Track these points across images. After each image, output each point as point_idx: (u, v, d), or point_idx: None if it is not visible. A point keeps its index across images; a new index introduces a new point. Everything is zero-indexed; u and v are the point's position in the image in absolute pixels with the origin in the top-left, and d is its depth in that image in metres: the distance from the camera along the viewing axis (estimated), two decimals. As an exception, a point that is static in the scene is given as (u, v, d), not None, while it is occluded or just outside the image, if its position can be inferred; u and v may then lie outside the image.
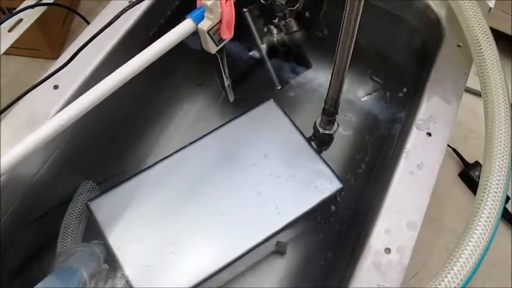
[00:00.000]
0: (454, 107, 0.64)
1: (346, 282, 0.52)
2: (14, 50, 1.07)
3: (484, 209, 0.52)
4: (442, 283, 0.48)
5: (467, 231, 0.51)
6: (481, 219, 0.51)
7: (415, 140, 0.61)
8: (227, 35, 0.56)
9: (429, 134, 0.61)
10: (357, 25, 0.53)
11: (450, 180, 1.03)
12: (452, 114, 0.63)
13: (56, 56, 1.10)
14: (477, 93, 1.05)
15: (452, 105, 0.64)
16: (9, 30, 0.71)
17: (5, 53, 0.70)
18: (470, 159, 1.03)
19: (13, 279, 0.63)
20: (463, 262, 0.49)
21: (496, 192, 0.53)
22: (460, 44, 0.69)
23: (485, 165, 0.56)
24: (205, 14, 0.53)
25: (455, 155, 1.04)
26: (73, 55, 0.56)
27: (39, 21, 0.73)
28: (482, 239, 0.50)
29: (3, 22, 0.70)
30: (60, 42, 1.12)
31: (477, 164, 1.01)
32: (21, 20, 0.72)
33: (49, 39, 1.06)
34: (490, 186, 0.53)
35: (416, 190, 0.57)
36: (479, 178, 0.96)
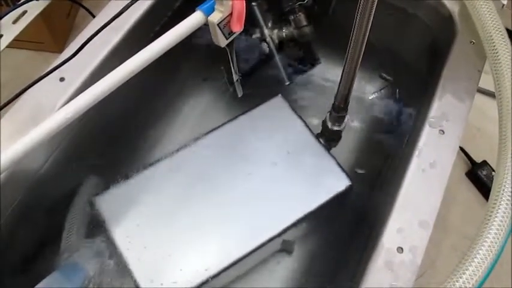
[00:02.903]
0: (467, 105, 0.63)
1: (358, 281, 0.51)
2: (17, 42, 1.05)
3: (498, 211, 0.50)
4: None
5: (480, 235, 0.50)
6: (495, 222, 0.50)
7: (427, 137, 0.60)
8: (237, 28, 0.55)
9: (442, 132, 0.60)
10: (370, 22, 0.53)
11: (457, 179, 1.01)
12: (466, 112, 0.62)
13: (59, 50, 1.08)
14: (485, 92, 1.04)
15: (465, 102, 0.63)
16: (14, 22, 0.70)
17: (8, 46, 0.69)
18: (478, 159, 1.01)
19: (17, 275, 0.62)
20: (476, 265, 0.48)
21: (510, 195, 0.51)
22: (473, 41, 0.68)
23: (500, 166, 0.54)
24: (215, 6, 0.52)
25: (462, 154, 1.02)
26: (81, 46, 0.54)
27: (43, 14, 0.72)
28: (496, 242, 0.49)
29: (7, 13, 0.69)
30: (64, 35, 1.10)
31: (485, 164, 0.99)
32: (25, 11, 0.71)
33: (53, 32, 1.05)
34: (504, 188, 0.52)
35: (428, 189, 0.56)
36: (487, 177, 0.96)
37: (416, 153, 0.59)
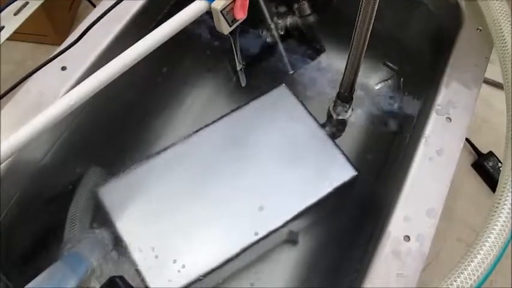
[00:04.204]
0: (474, 92, 0.62)
1: (364, 270, 0.51)
2: (20, 35, 1.05)
3: (505, 202, 0.49)
4: (459, 279, 0.46)
5: (486, 226, 0.49)
6: (502, 214, 0.49)
7: (434, 125, 0.59)
8: (241, 15, 0.55)
9: (449, 119, 0.59)
10: (375, 9, 0.52)
11: (463, 170, 1.01)
12: (473, 99, 0.61)
13: (62, 42, 1.08)
14: (491, 82, 1.03)
15: (472, 90, 0.62)
16: (15, 14, 0.70)
17: (10, 39, 0.68)
18: (484, 150, 1.01)
19: (20, 265, 0.62)
20: (482, 257, 0.47)
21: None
22: (480, 27, 0.67)
23: (507, 157, 0.53)
24: (218, -7, 0.52)
25: (468, 145, 1.01)
26: (82, 33, 0.54)
27: (45, 6, 0.72)
28: (502, 234, 0.48)
29: (9, 5, 0.68)
30: (66, 27, 1.10)
31: (491, 155, 0.99)
32: (27, 3, 0.70)
33: (55, 24, 1.05)
34: (511, 180, 0.51)
35: (436, 176, 0.56)
36: (493, 168, 0.96)
37: (423, 141, 0.58)
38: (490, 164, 0.98)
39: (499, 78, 0.97)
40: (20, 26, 0.69)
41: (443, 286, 0.45)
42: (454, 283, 0.45)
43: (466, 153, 1.02)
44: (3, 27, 0.67)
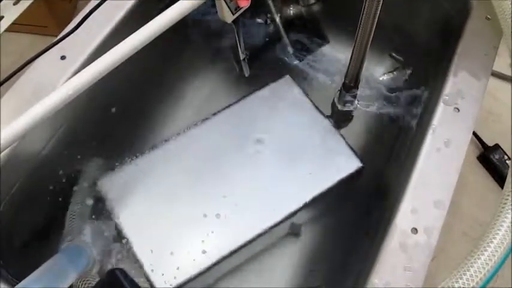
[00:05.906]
0: (483, 82, 0.61)
1: (370, 263, 0.50)
2: (20, 27, 1.04)
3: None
4: (465, 276, 0.45)
5: (494, 222, 0.48)
6: (510, 211, 0.48)
7: (442, 115, 0.58)
8: (244, 3, 0.54)
9: (457, 110, 0.58)
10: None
11: (469, 163, 0.99)
12: (482, 89, 0.60)
13: (62, 34, 1.07)
14: (497, 75, 1.02)
15: (481, 79, 0.61)
16: (15, 4, 0.69)
17: (10, 30, 0.67)
18: (490, 142, 0.99)
19: (19, 257, 0.61)
20: (491, 252, 0.46)
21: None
22: (488, 16, 0.65)
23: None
24: (221, -20, 0.51)
25: (474, 137, 1.00)
26: (81, 21, 0.53)
27: (46, -4, 0.71)
28: (511, 232, 0.47)
29: (8, -6, 0.67)
30: (67, 18, 1.08)
31: (497, 147, 0.97)
32: (27, -8, 0.69)
33: (55, 15, 1.03)
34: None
35: (444, 168, 0.55)
36: (499, 162, 0.94)
37: (430, 131, 0.57)
38: (496, 157, 0.96)
39: (504, 70, 0.96)
40: (20, 16, 0.68)
41: (450, 281, 0.45)
42: (464, 277, 0.44)
43: (471, 146, 1.00)
44: (2, 17, 0.66)
